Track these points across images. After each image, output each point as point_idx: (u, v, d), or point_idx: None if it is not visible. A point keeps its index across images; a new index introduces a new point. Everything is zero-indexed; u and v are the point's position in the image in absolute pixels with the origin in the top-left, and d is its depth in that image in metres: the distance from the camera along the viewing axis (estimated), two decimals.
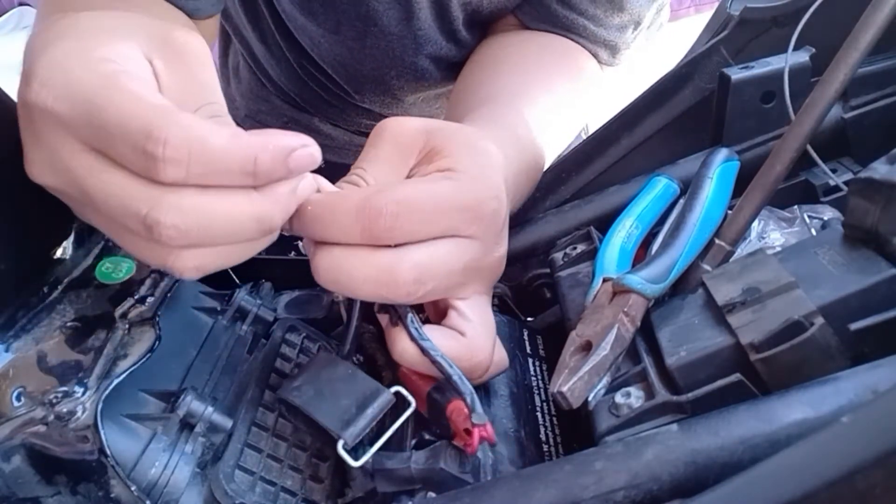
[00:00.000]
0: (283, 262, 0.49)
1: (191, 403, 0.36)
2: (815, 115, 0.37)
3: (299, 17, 0.71)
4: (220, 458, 0.36)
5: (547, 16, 0.65)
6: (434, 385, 0.37)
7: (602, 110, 0.68)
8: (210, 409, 0.37)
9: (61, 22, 0.34)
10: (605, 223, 0.47)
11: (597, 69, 0.68)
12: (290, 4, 0.70)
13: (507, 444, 0.38)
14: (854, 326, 0.30)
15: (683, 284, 0.39)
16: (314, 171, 0.34)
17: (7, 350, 0.37)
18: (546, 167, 0.55)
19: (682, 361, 0.33)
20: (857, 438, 0.21)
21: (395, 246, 0.35)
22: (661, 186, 0.47)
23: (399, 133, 0.39)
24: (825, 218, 0.43)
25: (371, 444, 0.35)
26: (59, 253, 0.42)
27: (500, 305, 0.51)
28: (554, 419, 0.42)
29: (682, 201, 0.44)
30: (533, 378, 0.44)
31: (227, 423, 0.37)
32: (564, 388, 0.34)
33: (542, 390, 0.43)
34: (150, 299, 0.39)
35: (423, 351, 0.36)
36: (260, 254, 0.34)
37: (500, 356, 0.40)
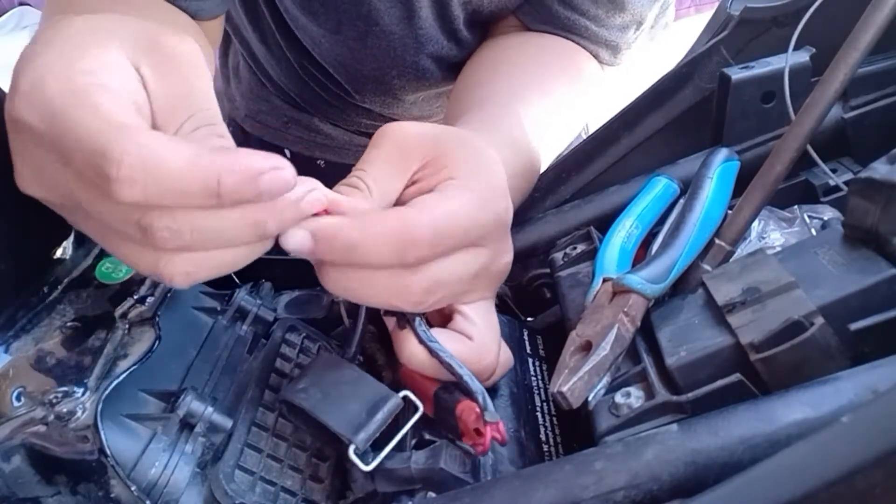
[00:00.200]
0: (283, 262, 0.49)
1: (191, 403, 0.36)
2: (815, 115, 0.37)
3: (300, 17, 0.71)
4: (220, 458, 0.36)
5: (548, 16, 0.65)
6: (441, 385, 0.37)
7: (602, 110, 0.68)
8: (210, 409, 0.37)
9: (54, 27, 0.33)
10: (605, 223, 0.47)
11: (597, 70, 0.68)
12: (291, 4, 0.70)
13: (507, 445, 0.38)
14: (854, 326, 0.30)
15: (683, 284, 0.39)
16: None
17: (7, 350, 0.37)
18: (546, 168, 0.55)
19: (682, 361, 0.33)
20: (857, 438, 0.21)
21: None
22: (661, 186, 0.47)
23: (403, 138, 0.38)
24: (825, 218, 0.43)
25: (374, 447, 0.35)
26: (59, 253, 0.42)
27: (500, 305, 0.51)
28: (554, 419, 0.42)
29: (682, 201, 0.44)
30: (533, 378, 0.44)
31: (227, 423, 0.37)
32: (564, 388, 0.34)
33: (542, 390, 0.43)
34: (150, 299, 0.39)
35: (433, 353, 0.36)
36: None
37: (506, 357, 0.40)
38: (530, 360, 0.45)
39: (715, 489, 0.25)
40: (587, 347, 0.36)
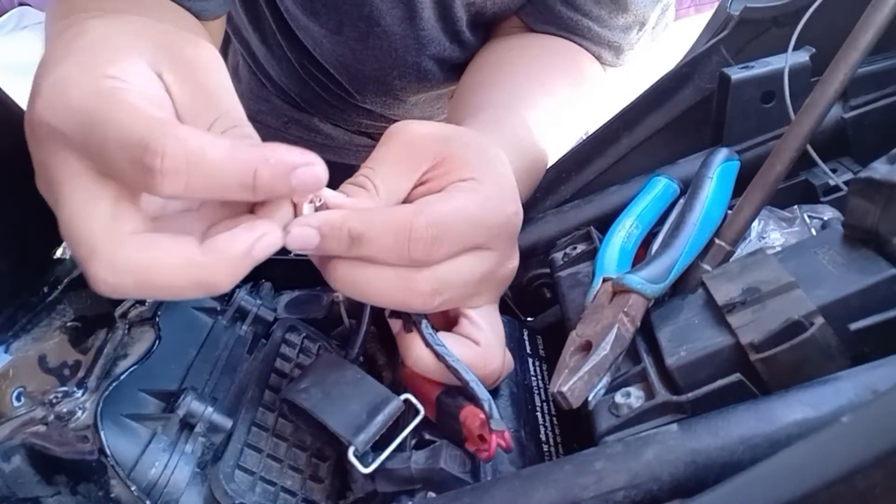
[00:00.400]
0: (283, 262, 0.49)
1: (191, 403, 0.36)
2: (815, 115, 0.37)
3: (302, 18, 0.71)
4: (220, 458, 0.36)
5: (551, 17, 0.65)
6: (443, 389, 0.37)
7: (602, 110, 0.68)
8: (210, 409, 0.37)
9: (70, 31, 0.33)
10: (605, 223, 0.47)
11: (599, 71, 0.68)
12: (292, 4, 0.70)
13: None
14: (854, 326, 0.30)
15: (683, 284, 0.39)
16: None
17: (7, 350, 0.37)
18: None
19: (682, 361, 0.33)
20: (857, 438, 0.21)
21: None
22: (661, 186, 0.47)
23: (412, 137, 0.38)
24: (825, 218, 0.43)
25: (374, 449, 0.35)
26: (59, 253, 0.42)
27: (500, 305, 0.51)
28: (554, 419, 0.42)
29: (682, 201, 0.44)
30: (533, 378, 0.44)
31: (227, 423, 0.37)
32: (564, 388, 0.34)
33: (542, 390, 0.43)
34: (149, 299, 0.39)
35: (439, 357, 0.36)
36: None
37: (507, 361, 0.40)
38: (530, 360, 0.45)
39: (715, 489, 0.25)
40: (587, 347, 0.36)
